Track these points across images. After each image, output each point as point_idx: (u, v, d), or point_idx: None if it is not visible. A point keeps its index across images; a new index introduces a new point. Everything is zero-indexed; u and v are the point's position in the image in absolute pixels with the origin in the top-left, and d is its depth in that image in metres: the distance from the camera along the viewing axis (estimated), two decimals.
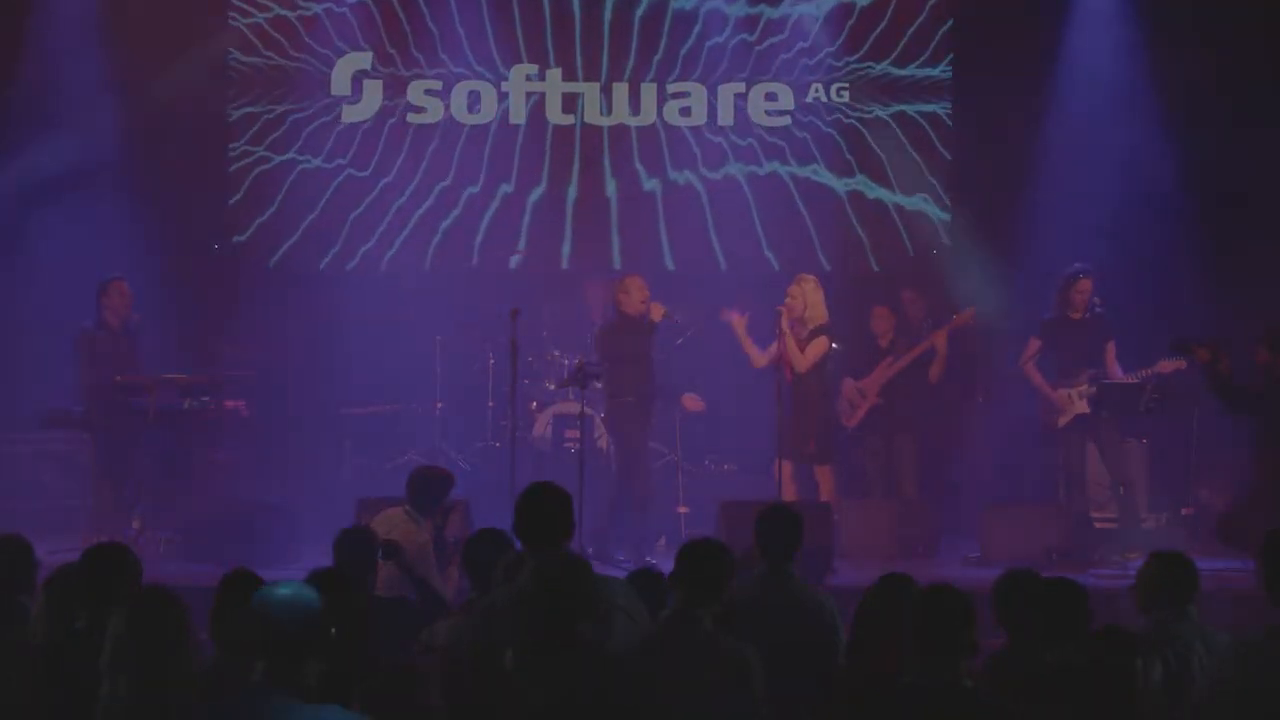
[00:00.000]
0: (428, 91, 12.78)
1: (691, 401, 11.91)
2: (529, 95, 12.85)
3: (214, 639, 5.06)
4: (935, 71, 12.84)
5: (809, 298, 10.84)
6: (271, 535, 10.05)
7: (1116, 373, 10.78)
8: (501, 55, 12.77)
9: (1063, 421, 10.82)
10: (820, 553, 9.40)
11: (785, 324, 10.74)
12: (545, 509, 5.50)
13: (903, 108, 12.82)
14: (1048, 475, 11.42)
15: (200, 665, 4.93)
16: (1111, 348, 10.85)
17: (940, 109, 12.83)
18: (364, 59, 12.66)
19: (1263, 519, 9.04)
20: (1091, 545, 10.53)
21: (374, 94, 12.70)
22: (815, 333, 10.79)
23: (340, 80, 12.69)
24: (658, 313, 10.89)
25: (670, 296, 11.28)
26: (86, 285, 11.41)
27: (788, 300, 10.85)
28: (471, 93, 12.83)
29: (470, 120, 12.79)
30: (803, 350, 10.77)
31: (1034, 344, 11.00)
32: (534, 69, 12.83)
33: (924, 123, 12.85)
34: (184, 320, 11.98)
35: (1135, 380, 10.65)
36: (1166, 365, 10.50)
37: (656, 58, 12.84)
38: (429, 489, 8.27)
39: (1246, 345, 9.97)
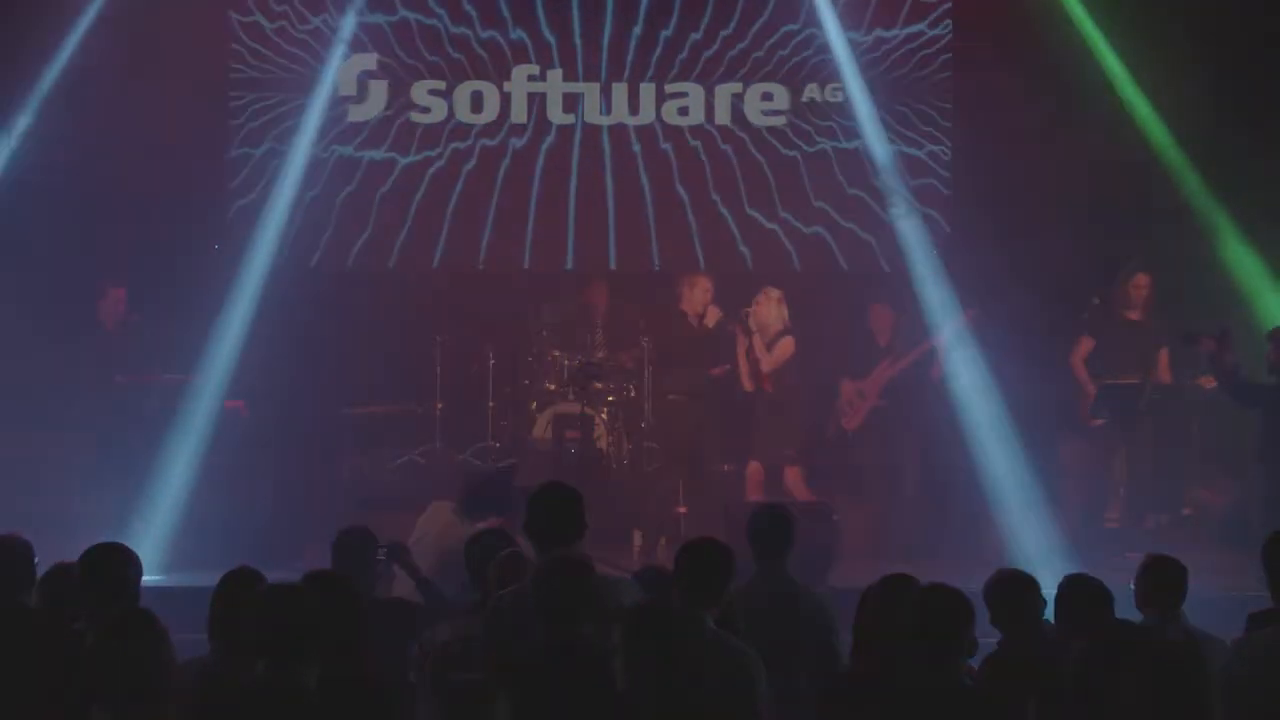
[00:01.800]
0: (431, 91, 12.80)
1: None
2: (530, 96, 12.87)
3: (212, 638, 5.04)
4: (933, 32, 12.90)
5: (771, 310, 10.89)
6: (271, 535, 10.04)
7: (1167, 380, 10.71)
8: (504, 55, 12.82)
9: (1096, 421, 10.80)
10: (820, 553, 9.40)
11: (753, 323, 10.79)
12: (557, 508, 5.51)
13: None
14: (1050, 475, 11.42)
15: (196, 666, 4.92)
16: (1165, 354, 10.74)
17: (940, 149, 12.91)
18: (369, 60, 12.64)
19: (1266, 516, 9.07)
20: (1095, 545, 10.55)
21: (379, 94, 12.71)
22: (780, 335, 10.83)
23: (346, 80, 12.70)
24: (713, 317, 10.92)
25: (668, 294, 11.30)
26: (87, 285, 11.43)
27: (755, 307, 10.91)
28: (474, 93, 12.84)
29: (473, 120, 12.79)
30: (771, 351, 10.83)
31: (1087, 342, 10.95)
32: (535, 69, 12.84)
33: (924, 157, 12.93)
34: (184, 320, 11.98)
35: (1137, 381, 10.66)
36: (1208, 381, 10.47)
37: (655, 56, 12.89)
38: (480, 494, 8.15)
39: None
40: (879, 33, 12.80)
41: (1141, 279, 10.82)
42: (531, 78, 12.88)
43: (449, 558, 7.51)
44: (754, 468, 10.83)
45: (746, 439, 11.24)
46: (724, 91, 12.89)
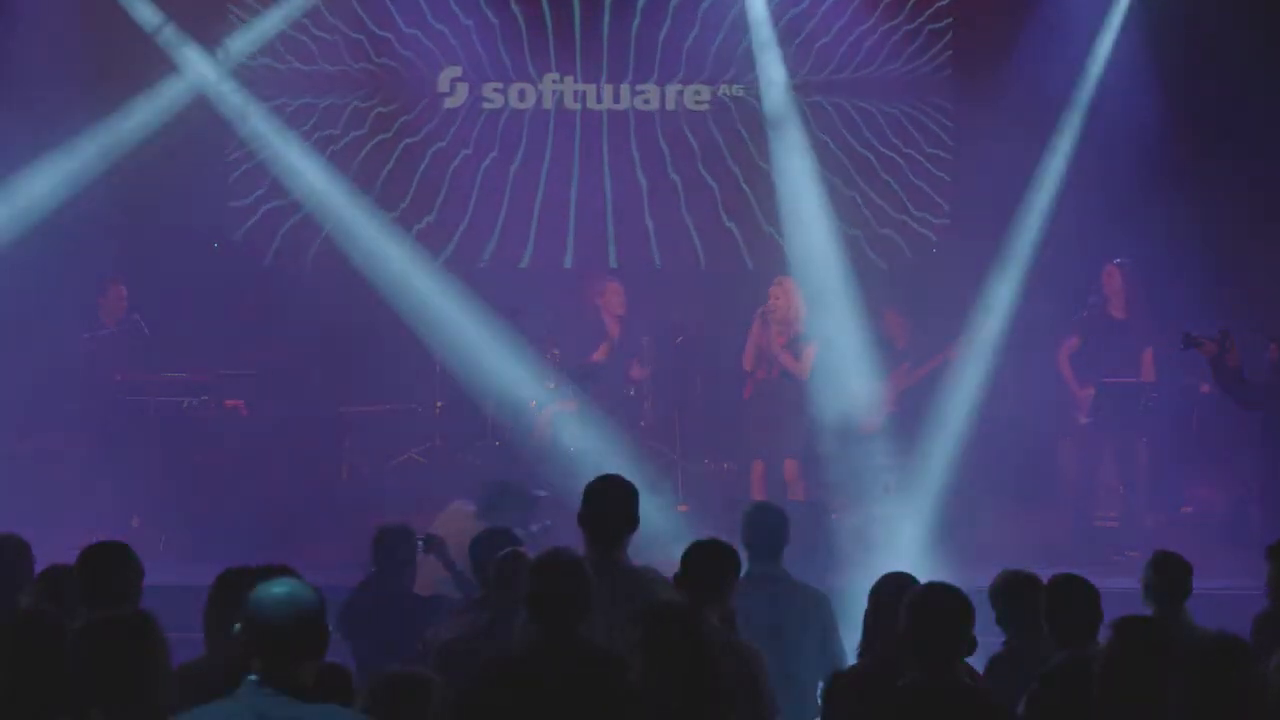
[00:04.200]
0: (495, 90, 13.16)
1: (638, 369, 11.83)
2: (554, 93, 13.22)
3: (208, 637, 5.02)
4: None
5: (792, 300, 10.84)
6: (271, 535, 10.03)
7: (1151, 380, 10.70)
8: (535, 66, 13.15)
9: (1083, 421, 10.79)
10: (819, 551, 9.39)
11: (773, 329, 10.75)
12: (612, 501, 5.52)
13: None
14: (1047, 475, 11.40)
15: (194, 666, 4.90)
16: (1150, 354, 10.72)
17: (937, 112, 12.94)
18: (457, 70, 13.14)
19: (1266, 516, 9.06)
20: (1093, 544, 10.53)
21: (464, 92, 13.17)
22: (804, 339, 10.82)
23: (444, 83, 13.06)
24: (639, 373, 10.95)
25: (658, 295, 11.33)
26: (86, 284, 11.43)
27: (771, 302, 10.84)
28: (521, 91, 13.12)
29: (518, 106, 13.13)
30: (796, 357, 10.79)
31: (1073, 340, 10.94)
32: (557, 75, 13.13)
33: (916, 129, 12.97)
34: (184, 320, 11.97)
35: (1136, 381, 10.64)
36: (1205, 387, 10.47)
37: (656, 59, 13.02)
38: (496, 501, 8.18)
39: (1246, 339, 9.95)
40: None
41: (1111, 270, 10.81)
42: (554, 81, 13.07)
43: (464, 558, 7.52)
44: (758, 465, 10.80)
45: (746, 436, 11.23)
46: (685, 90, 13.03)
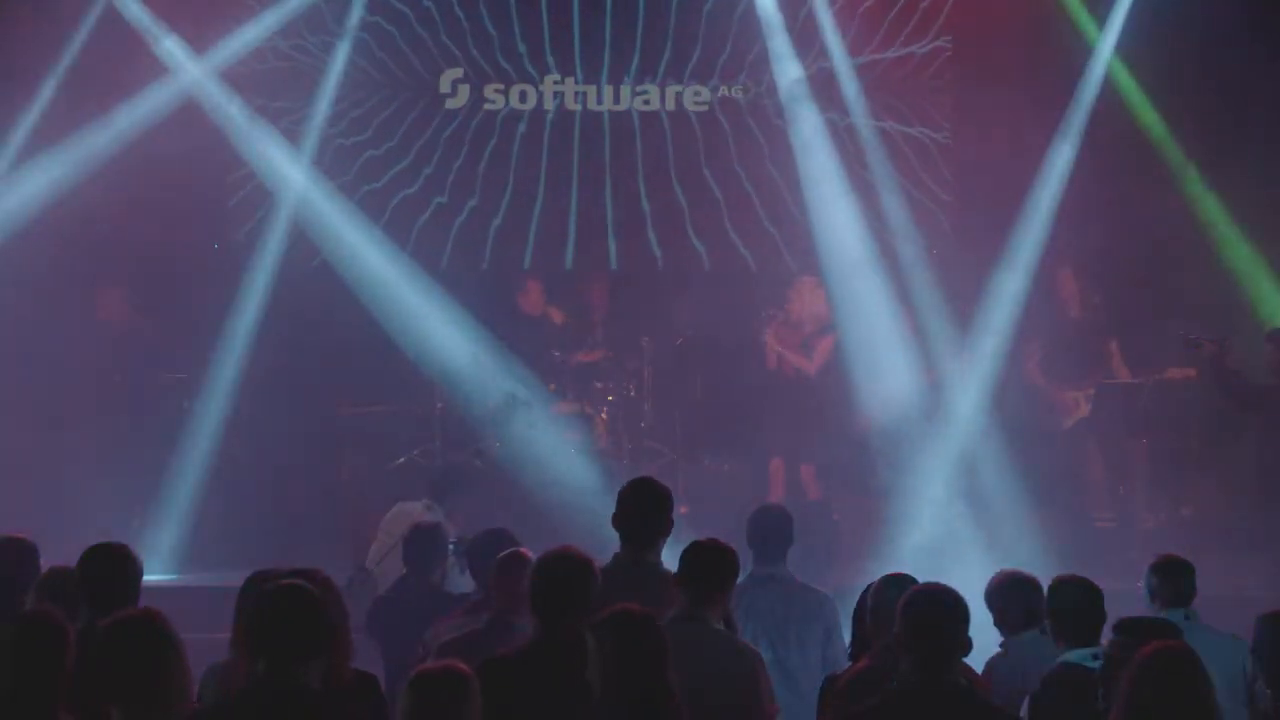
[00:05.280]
0: (497, 90, 13.17)
1: (585, 354, 11.88)
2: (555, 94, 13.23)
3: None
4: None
5: (807, 300, 10.83)
6: (271, 535, 10.05)
7: (1124, 375, 10.71)
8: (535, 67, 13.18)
9: (1068, 424, 10.79)
10: (820, 551, 9.42)
11: (775, 331, 10.74)
12: (644, 506, 5.57)
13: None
14: (1047, 477, 11.40)
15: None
16: (1116, 348, 10.75)
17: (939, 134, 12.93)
18: (459, 71, 13.14)
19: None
20: (1091, 546, 10.53)
21: (465, 93, 13.19)
22: (819, 333, 10.78)
23: (445, 84, 13.12)
24: (588, 357, 11.01)
25: (658, 295, 11.30)
26: (86, 284, 11.43)
27: (786, 305, 10.83)
28: (522, 92, 13.14)
29: (518, 107, 13.16)
30: (808, 356, 10.77)
31: (1035, 347, 10.96)
32: (558, 77, 13.17)
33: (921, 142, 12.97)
34: (184, 320, 11.97)
35: (1136, 381, 10.64)
36: (1175, 372, 10.47)
37: (665, 59, 13.05)
38: (445, 483, 8.37)
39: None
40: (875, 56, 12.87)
41: (1065, 275, 10.83)
42: (555, 83, 13.12)
43: None
44: (776, 464, 10.80)
45: (754, 436, 11.21)
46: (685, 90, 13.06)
